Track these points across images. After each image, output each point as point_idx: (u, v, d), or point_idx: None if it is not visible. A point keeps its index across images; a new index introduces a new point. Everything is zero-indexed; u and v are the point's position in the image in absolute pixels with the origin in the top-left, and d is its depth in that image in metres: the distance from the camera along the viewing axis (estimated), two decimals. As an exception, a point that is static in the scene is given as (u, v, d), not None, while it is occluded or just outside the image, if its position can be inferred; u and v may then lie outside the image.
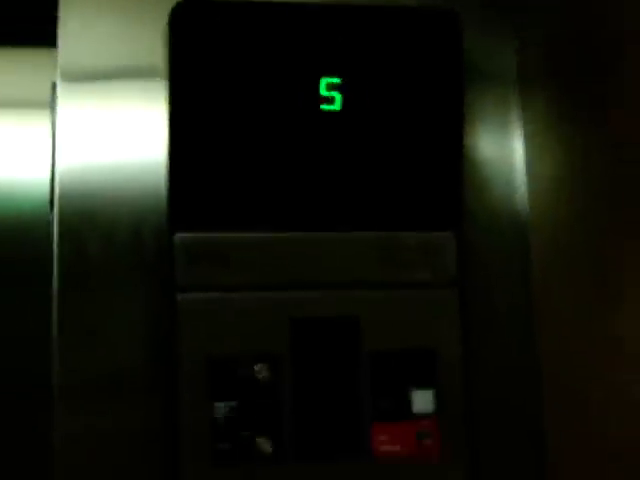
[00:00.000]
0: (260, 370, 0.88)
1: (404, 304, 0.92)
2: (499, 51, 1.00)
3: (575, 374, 0.91)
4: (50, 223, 0.91)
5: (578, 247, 0.90)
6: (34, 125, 1.01)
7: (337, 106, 0.91)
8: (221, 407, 0.87)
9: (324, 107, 0.91)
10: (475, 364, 0.94)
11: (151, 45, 0.92)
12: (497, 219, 0.98)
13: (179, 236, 0.89)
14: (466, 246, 0.95)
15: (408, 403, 0.90)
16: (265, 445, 0.88)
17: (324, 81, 0.91)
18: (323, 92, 0.91)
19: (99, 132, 0.92)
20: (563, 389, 0.93)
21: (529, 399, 0.95)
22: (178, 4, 0.89)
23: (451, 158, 0.94)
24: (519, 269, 0.97)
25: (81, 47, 0.93)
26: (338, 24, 0.92)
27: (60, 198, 0.90)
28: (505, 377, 0.95)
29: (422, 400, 0.91)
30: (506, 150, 0.99)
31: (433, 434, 0.91)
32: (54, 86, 0.92)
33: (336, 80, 0.91)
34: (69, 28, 0.93)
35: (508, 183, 0.98)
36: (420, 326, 0.92)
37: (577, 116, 0.91)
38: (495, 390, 0.95)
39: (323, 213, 0.92)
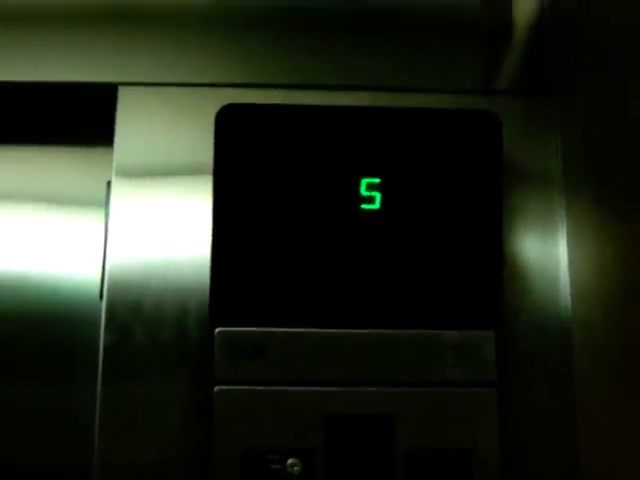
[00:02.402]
0: (293, 465, 0.89)
1: (440, 403, 0.91)
2: (542, 152, 1.00)
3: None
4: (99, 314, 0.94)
5: (622, 348, 0.89)
6: (88, 222, 1.05)
7: (376, 205, 0.93)
8: (253, 500, 0.89)
9: (364, 207, 0.93)
10: (514, 465, 0.93)
11: (201, 144, 0.96)
12: (540, 319, 0.97)
13: (219, 330, 0.91)
14: (508, 346, 0.95)
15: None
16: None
17: (365, 181, 0.93)
18: (363, 192, 0.93)
19: (148, 227, 0.96)
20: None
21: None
22: (223, 107, 0.93)
23: (491, 256, 0.94)
24: (562, 369, 0.96)
25: (136, 145, 0.98)
26: (377, 126, 0.94)
27: (109, 289, 0.94)
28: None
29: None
30: (550, 249, 0.99)
31: (467, 536, 0.90)
32: (109, 184, 0.97)
33: (376, 180, 0.93)
34: (125, 128, 0.98)
35: (552, 282, 0.98)
36: (456, 425, 0.91)
37: (620, 215, 0.91)
38: (534, 493, 0.94)
39: (361, 310, 0.93)
